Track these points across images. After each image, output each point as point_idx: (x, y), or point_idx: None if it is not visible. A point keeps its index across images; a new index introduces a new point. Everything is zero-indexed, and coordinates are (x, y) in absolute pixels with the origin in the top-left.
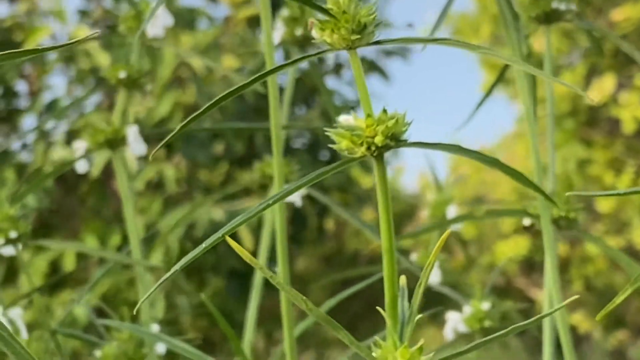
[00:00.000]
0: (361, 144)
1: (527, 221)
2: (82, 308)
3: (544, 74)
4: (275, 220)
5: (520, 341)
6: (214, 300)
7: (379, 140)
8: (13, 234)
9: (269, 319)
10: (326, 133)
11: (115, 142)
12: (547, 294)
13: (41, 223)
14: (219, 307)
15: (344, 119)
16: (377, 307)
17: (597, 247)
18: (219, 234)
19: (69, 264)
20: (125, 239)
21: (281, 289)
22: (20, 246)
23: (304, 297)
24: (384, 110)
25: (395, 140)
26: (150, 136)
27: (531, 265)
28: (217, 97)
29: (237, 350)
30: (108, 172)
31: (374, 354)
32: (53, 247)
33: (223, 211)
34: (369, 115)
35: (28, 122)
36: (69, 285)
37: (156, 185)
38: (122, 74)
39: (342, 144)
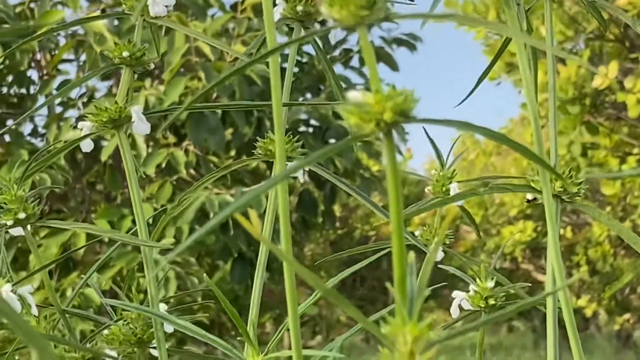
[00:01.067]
0: (370, 120)
1: (529, 196)
2: (92, 288)
3: (545, 45)
4: (277, 195)
5: (526, 324)
6: (223, 284)
7: (387, 116)
8: (21, 215)
9: (279, 304)
10: (335, 111)
11: (119, 121)
12: (549, 268)
13: (51, 209)
14: (227, 291)
15: (352, 95)
16: (387, 284)
17: (600, 222)
18: (227, 211)
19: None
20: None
21: (286, 261)
22: (28, 227)
23: (309, 271)
24: (393, 87)
25: (404, 116)
26: (156, 118)
27: (537, 251)
28: (222, 76)
29: (241, 330)
30: (119, 157)
31: (382, 331)
32: (62, 228)
33: (237, 194)
34: (377, 92)
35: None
36: (80, 270)
37: (166, 172)
38: (125, 53)
39: (350, 120)
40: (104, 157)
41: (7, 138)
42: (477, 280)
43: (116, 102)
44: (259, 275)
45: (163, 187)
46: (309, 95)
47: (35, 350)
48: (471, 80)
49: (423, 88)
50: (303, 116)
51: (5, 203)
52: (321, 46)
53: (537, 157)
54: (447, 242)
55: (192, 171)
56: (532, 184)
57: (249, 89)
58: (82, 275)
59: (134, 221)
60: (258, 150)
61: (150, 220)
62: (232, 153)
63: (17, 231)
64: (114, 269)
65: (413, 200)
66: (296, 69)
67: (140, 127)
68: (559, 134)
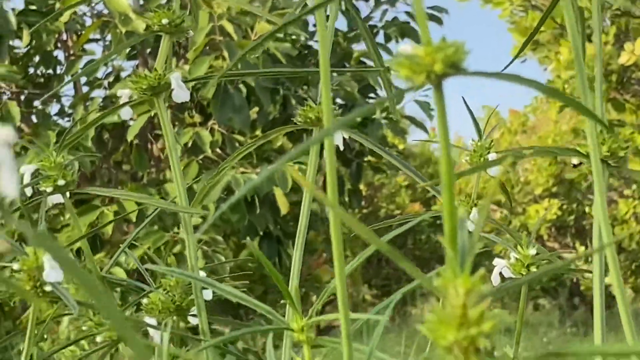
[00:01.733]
0: (420, 72)
1: (575, 160)
2: (118, 267)
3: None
4: (326, 148)
5: (552, 302)
6: (249, 262)
7: (438, 68)
8: (61, 182)
9: (304, 282)
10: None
11: (159, 88)
12: (596, 228)
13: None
14: (254, 269)
15: (403, 48)
16: (439, 238)
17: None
18: (273, 168)
19: (107, 227)
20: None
21: (333, 211)
22: (67, 194)
23: (361, 223)
24: (443, 39)
25: (455, 68)
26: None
27: (562, 230)
28: (255, 43)
29: (284, 294)
30: (146, 137)
31: (435, 283)
32: (101, 195)
33: (263, 172)
34: (428, 43)
35: (66, 89)
36: (107, 250)
37: (192, 152)
38: (165, 20)
39: (401, 73)
40: (130, 137)
41: (34, 119)
42: (519, 247)
43: (155, 70)
44: (300, 239)
45: (189, 167)
46: (334, 74)
47: (106, 316)
48: (496, 56)
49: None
50: None
51: (44, 170)
52: (351, 21)
53: (588, 111)
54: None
55: (217, 150)
56: (579, 148)
57: (273, 66)
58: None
59: (162, 199)
60: (297, 118)
61: (178, 200)
62: (258, 132)
63: (56, 198)
64: (141, 249)
65: (439, 178)
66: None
67: (180, 94)
68: None
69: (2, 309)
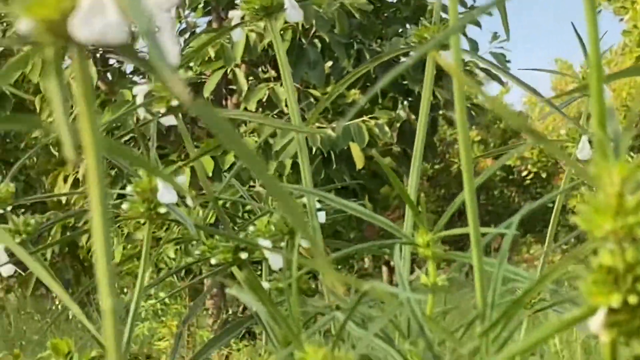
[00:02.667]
0: None
1: None
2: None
3: None
4: (452, 45)
5: None
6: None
7: None
8: (174, 102)
9: (380, 237)
10: None
11: (271, 8)
12: None
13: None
14: (330, 226)
15: None
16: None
17: None
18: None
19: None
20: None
21: (456, 76)
22: (180, 115)
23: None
24: None
25: None
26: (256, 55)
27: None
28: None
29: (409, 206)
30: (220, 92)
31: (590, 171)
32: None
33: (339, 126)
34: None
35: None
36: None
37: (267, 107)
38: None
39: None
40: (206, 92)
41: (109, 77)
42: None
43: None
44: (419, 145)
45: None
46: (407, 26)
47: (273, 193)
48: (571, 6)
49: (524, 16)
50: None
51: (157, 91)
52: None
53: None
54: None
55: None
56: None
57: (349, 21)
58: None
59: (236, 156)
60: (412, 39)
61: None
62: (330, 88)
63: (169, 120)
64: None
65: (511, 134)
66: None
67: (293, 14)
68: None
69: (82, 265)
